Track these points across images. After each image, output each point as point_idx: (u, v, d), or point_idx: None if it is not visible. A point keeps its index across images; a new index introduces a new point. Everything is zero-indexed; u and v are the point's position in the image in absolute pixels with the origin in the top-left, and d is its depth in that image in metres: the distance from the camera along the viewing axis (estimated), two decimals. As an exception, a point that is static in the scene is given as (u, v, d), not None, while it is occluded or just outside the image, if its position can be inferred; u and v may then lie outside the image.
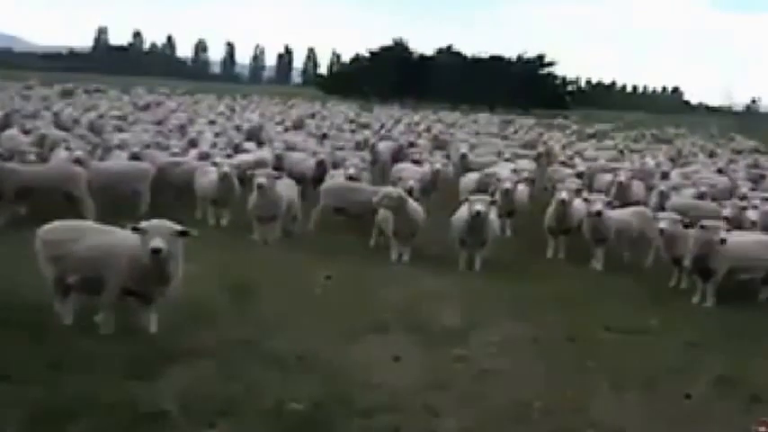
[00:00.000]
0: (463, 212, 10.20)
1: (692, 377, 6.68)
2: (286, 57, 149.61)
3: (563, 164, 19.26)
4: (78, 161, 11.55)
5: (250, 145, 17.59)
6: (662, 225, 9.53)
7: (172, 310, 6.91)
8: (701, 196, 13.60)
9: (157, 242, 6.15)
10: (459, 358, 6.73)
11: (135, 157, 13.11)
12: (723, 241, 8.86)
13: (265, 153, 15.57)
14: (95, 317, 6.65)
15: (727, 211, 11.32)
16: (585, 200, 10.99)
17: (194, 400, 5.42)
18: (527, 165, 17.81)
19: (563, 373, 6.58)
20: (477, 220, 9.84)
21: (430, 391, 5.96)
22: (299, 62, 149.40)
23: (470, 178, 14.67)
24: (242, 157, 14.49)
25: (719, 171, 19.25)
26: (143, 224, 6.35)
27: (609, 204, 10.99)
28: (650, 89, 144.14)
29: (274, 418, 5.30)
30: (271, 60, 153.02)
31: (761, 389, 6.47)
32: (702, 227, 9.07)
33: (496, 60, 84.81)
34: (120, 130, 19.25)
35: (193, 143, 16.47)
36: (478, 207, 9.80)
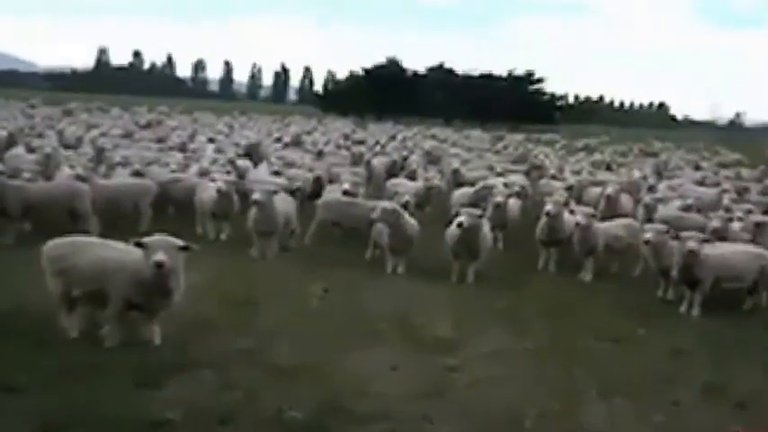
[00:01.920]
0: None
1: (679, 384, 6.86)
2: (282, 75, 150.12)
3: (553, 178, 19.51)
4: (81, 178, 11.71)
5: (246, 162, 17.76)
6: (647, 236, 9.74)
7: (174, 321, 7.07)
8: (687, 208, 13.84)
9: (160, 256, 6.32)
10: (453, 367, 6.88)
11: (137, 173, 13.28)
12: (693, 252, 9.10)
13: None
14: (101, 330, 6.79)
15: (715, 223, 11.53)
16: (571, 212, 11.26)
17: (196, 409, 5.57)
18: (518, 179, 18.06)
19: (554, 381, 6.73)
20: (466, 232, 10.03)
21: (424, 399, 6.11)
22: (295, 80, 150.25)
23: (462, 192, 14.92)
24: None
25: (702, 183, 19.62)
26: (146, 240, 6.51)
27: (594, 217, 11.23)
28: (637, 104, 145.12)
29: (273, 426, 5.45)
30: (268, 79, 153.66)
31: (747, 396, 6.65)
32: (677, 237, 9.36)
33: (487, 78, 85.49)
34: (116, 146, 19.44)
35: (194, 160, 16.64)
36: (461, 219, 10.03)
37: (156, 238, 6.56)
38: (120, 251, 6.84)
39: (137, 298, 6.66)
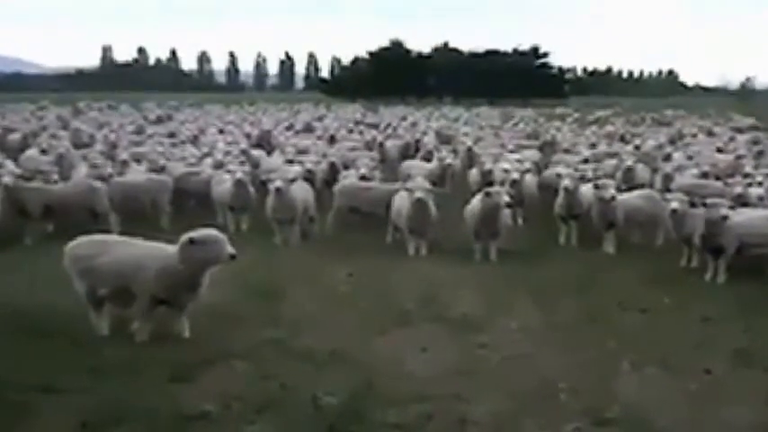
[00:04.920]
0: (475, 205, 10.39)
1: (709, 352, 6.82)
2: (288, 63, 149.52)
3: (566, 152, 19.40)
4: (100, 177, 11.75)
5: (259, 151, 17.79)
6: (674, 206, 9.63)
7: (204, 314, 7.10)
8: (704, 175, 13.75)
9: (233, 249, 6.47)
10: (484, 345, 6.90)
11: (152, 169, 13.34)
12: (725, 218, 9.04)
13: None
14: (131, 326, 6.84)
15: (738, 189, 11.43)
16: (596, 186, 11.12)
17: (233, 400, 5.60)
18: (532, 155, 17.98)
19: (584, 353, 6.72)
20: (494, 211, 10.05)
21: (458, 378, 6.12)
22: (299, 68, 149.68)
23: (478, 171, 14.86)
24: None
25: (719, 150, 19.44)
26: (206, 234, 6.58)
27: (618, 189, 11.16)
28: (646, 73, 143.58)
29: (311, 413, 5.46)
30: (273, 68, 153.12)
31: (778, 361, 6.57)
32: (704, 205, 9.28)
33: (492, 54, 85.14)
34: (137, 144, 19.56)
35: (207, 153, 16.68)
36: (502, 199, 10.04)
37: (210, 232, 6.61)
38: (143, 248, 6.87)
39: (163, 293, 6.69)
